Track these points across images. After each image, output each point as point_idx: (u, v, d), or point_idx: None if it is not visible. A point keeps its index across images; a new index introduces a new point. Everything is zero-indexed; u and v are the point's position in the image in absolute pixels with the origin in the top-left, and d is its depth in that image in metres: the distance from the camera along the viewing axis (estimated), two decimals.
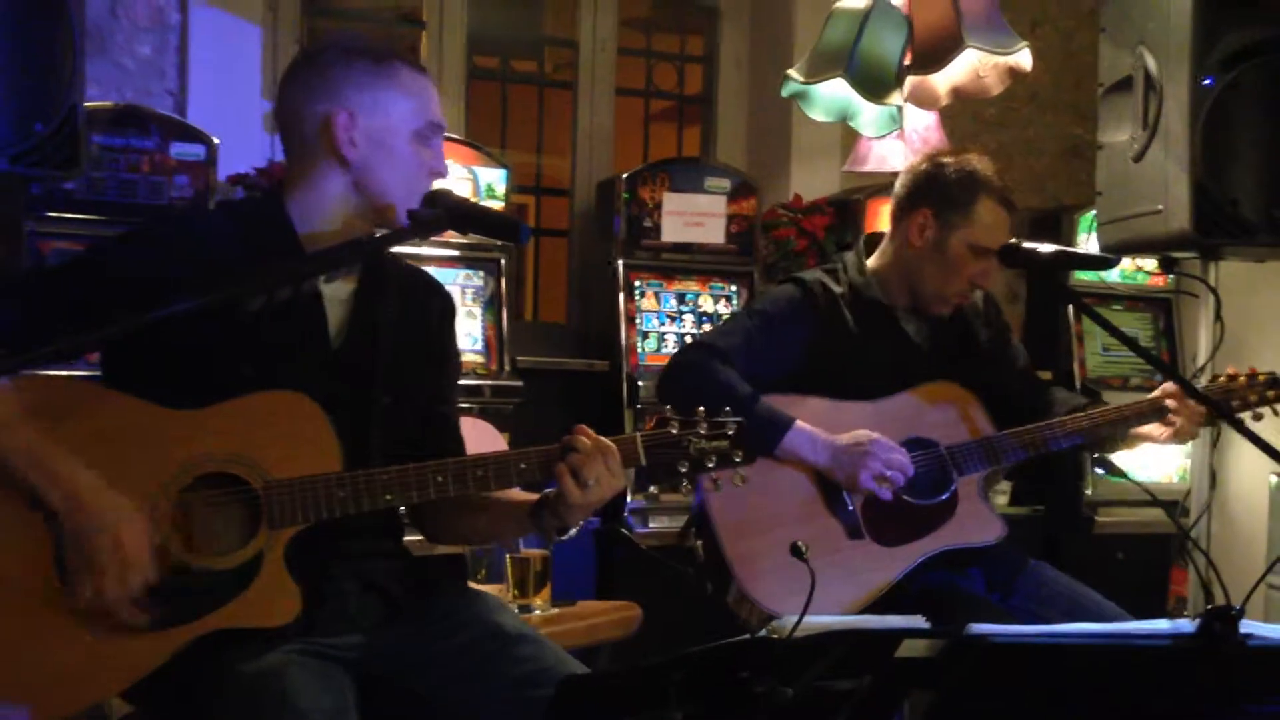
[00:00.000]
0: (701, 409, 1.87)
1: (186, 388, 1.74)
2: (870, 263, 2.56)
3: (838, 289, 2.51)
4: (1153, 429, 2.49)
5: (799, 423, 2.35)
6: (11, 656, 1.62)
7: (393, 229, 1.84)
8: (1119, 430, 2.48)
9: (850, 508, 2.37)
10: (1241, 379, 2.53)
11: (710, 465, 1.84)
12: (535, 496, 1.87)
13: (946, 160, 2.49)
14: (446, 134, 1.97)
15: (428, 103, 1.87)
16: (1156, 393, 2.52)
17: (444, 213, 1.80)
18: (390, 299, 1.92)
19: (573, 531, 1.87)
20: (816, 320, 2.47)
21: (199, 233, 1.85)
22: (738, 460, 1.85)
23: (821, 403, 2.42)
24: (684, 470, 1.84)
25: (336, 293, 1.87)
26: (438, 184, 1.89)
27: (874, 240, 2.63)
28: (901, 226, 2.52)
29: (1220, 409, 2.36)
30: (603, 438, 1.80)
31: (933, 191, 2.47)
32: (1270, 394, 2.51)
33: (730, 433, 1.85)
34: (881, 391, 2.46)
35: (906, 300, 2.53)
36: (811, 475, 2.38)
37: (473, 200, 1.86)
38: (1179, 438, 2.49)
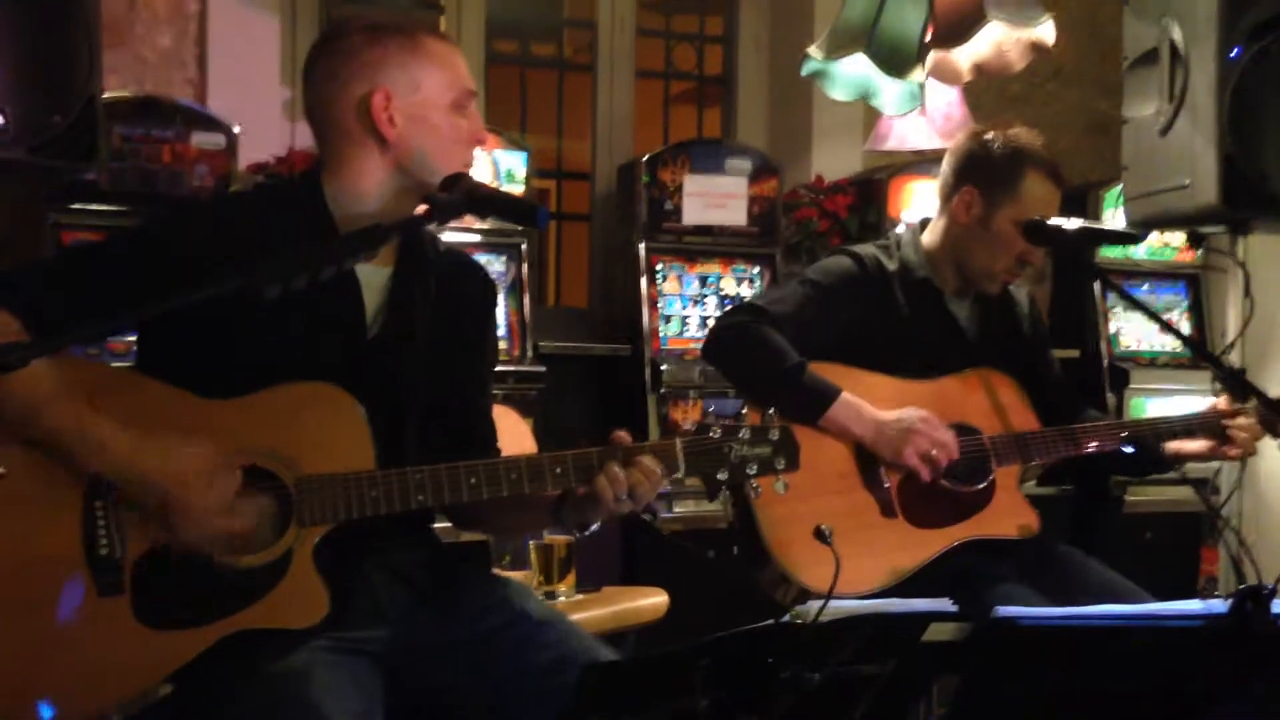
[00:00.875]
0: (745, 410, 1.84)
1: (219, 372, 1.73)
2: (923, 241, 2.54)
3: (891, 266, 2.48)
4: (1203, 445, 2.45)
5: (845, 394, 2.33)
6: (50, 655, 1.62)
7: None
8: (1168, 439, 2.46)
9: (885, 485, 2.36)
10: None
11: (751, 473, 1.81)
12: (558, 491, 1.84)
13: (992, 136, 2.46)
14: None
15: (459, 71, 1.85)
16: (1208, 408, 2.49)
17: (463, 197, 1.77)
18: (429, 283, 1.89)
19: (594, 527, 1.85)
20: (868, 295, 2.44)
21: (231, 216, 1.84)
22: (780, 468, 1.82)
23: (868, 376, 2.40)
24: (723, 478, 1.80)
25: (373, 278, 1.85)
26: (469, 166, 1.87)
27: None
28: (949, 205, 2.49)
29: (1255, 393, 2.32)
30: (643, 446, 1.77)
31: (978, 168, 2.44)
32: None
33: (774, 438, 1.81)
34: (924, 373, 2.43)
35: (955, 281, 2.50)
36: (849, 448, 2.36)
37: (492, 184, 1.84)
38: (1239, 453, 2.45)
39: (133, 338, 1.84)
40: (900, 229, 2.61)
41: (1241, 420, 2.42)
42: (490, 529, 2.13)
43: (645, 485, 1.76)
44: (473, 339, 1.98)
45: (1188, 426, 2.47)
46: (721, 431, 1.81)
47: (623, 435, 1.80)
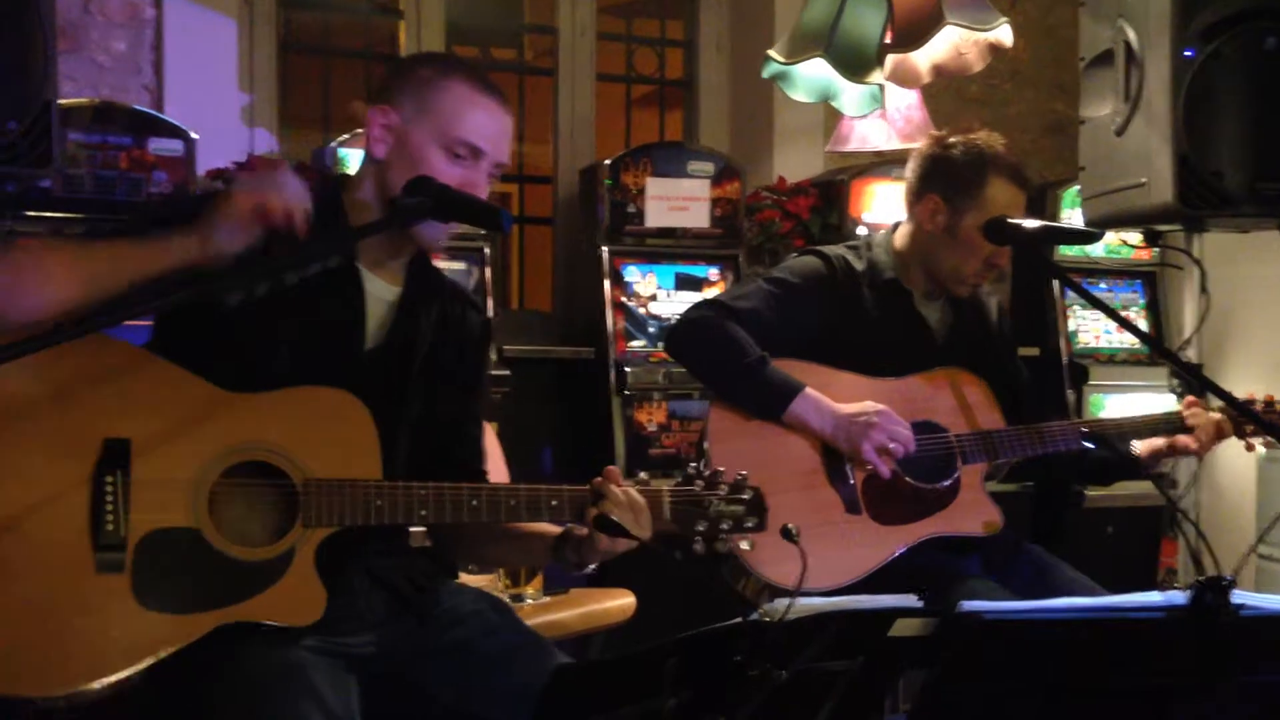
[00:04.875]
0: (722, 469, 1.90)
1: (220, 367, 1.74)
2: (894, 243, 2.54)
3: (858, 266, 2.49)
4: (1164, 443, 2.46)
5: (808, 389, 2.34)
6: (41, 624, 1.61)
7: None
8: (1131, 438, 2.47)
9: (850, 482, 2.37)
10: (1258, 405, 2.51)
11: (725, 528, 1.88)
12: (559, 530, 1.88)
13: (954, 141, 2.46)
14: None
15: (472, 121, 1.86)
16: (1180, 406, 2.50)
17: (428, 200, 1.79)
18: (432, 309, 1.94)
19: (591, 568, 1.88)
20: (834, 294, 2.45)
21: None
22: (749, 526, 1.89)
23: (834, 374, 2.41)
24: (701, 530, 1.87)
25: (382, 293, 1.89)
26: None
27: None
28: (915, 212, 2.50)
29: (1215, 390, 2.35)
30: (633, 490, 1.83)
31: (942, 175, 2.44)
32: None
33: (746, 498, 1.89)
34: (891, 373, 2.44)
35: (925, 283, 2.51)
36: (816, 445, 2.37)
37: (456, 188, 1.86)
38: (1198, 449, 2.46)
39: None
40: (868, 231, 2.62)
41: (1201, 411, 2.44)
42: (489, 560, 2.16)
43: (631, 522, 1.80)
44: (468, 369, 2.01)
45: (1152, 425, 2.48)
46: (704, 485, 1.89)
47: (614, 474, 1.84)
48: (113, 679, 1.63)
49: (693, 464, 1.93)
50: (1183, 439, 2.45)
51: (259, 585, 1.69)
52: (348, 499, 1.73)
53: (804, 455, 2.37)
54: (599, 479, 1.83)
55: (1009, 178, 2.42)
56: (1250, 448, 2.49)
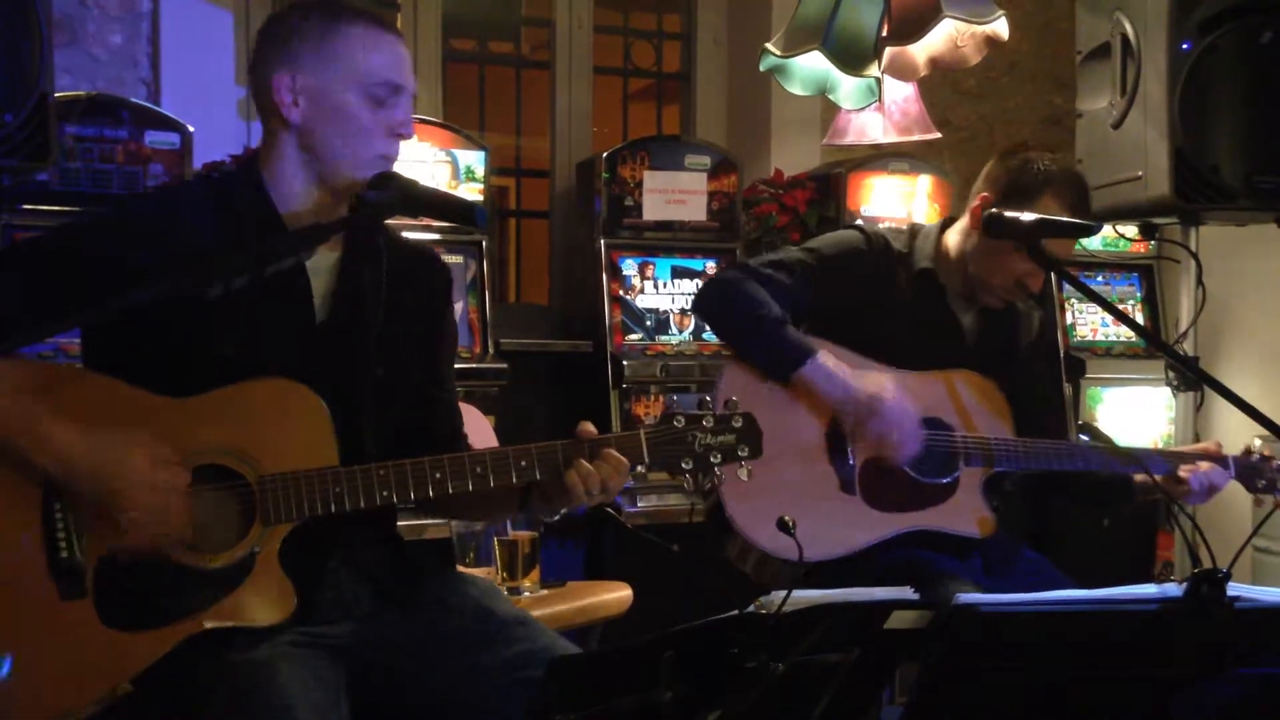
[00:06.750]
0: (708, 399, 1.84)
1: (168, 368, 1.71)
2: (945, 238, 2.52)
3: (896, 247, 2.48)
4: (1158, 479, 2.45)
5: (822, 354, 2.32)
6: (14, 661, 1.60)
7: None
8: (1136, 471, 2.46)
9: (850, 462, 2.36)
10: (1253, 456, 2.50)
11: (716, 461, 1.81)
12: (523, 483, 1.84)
13: (1035, 156, 2.42)
14: (425, 117, 1.93)
15: (381, 60, 1.79)
16: (1198, 447, 2.50)
17: (394, 196, 1.73)
18: (380, 270, 1.86)
19: (562, 512, 1.85)
20: (867, 270, 2.44)
21: (174, 211, 1.81)
22: (744, 455, 1.82)
23: (856, 359, 2.38)
24: (688, 467, 1.80)
25: (320, 262, 1.82)
26: (399, 156, 1.83)
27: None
28: (969, 209, 2.47)
29: (1212, 383, 2.35)
30: (608, 438, 1.78)
31: (1001, 179, 2.42)
32: None
33: (737, 426, 1.81)
34: (918, 364, 2.42)
35: (963, 285, 2.49)
36: (822, 422, 2.36)
37: (424, 183, 1.80)
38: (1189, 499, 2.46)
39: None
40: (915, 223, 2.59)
41: (1203, 466, 2.43)
42: (456, 516, 2.14)
43: (615, 478, 1.77)
44: (429, 326, 1.96)
45: (1154, 461, 2.47)
46: (685, 421, 1.81)
47: (588, 428, 1.80)
48: (92, 701, 1.61)
49: (674, 399, 1.86)
50: (1178, 489, 2.45)
51: (223, 590, 1.66)
52: (305, 491, 1.68)
53: (809, 429, 2.35)
54: (573, 439, 1.77)
55: (1064, 206, 2.36)
56: (1258, 503, 2.49)
